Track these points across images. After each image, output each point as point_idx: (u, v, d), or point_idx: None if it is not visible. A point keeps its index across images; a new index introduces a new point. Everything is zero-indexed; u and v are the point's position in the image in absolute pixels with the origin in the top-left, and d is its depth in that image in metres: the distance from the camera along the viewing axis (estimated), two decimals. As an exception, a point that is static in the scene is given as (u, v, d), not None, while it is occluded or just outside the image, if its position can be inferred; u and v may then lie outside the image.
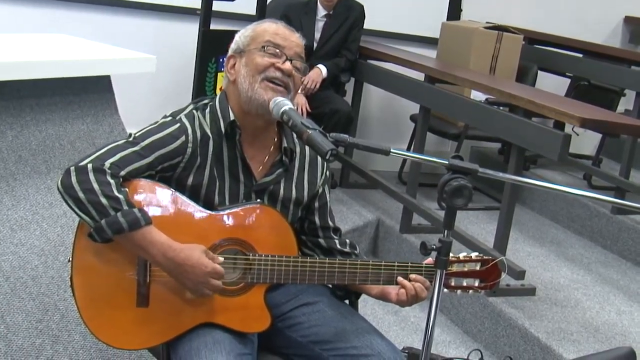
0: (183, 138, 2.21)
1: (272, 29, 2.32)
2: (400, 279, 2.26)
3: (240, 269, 2.19)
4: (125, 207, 2.03)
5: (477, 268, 2.33)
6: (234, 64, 2.33)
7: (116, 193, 2.04)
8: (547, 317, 3.87)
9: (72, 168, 2.06)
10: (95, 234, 2.03)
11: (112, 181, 2.05)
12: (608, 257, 4.93)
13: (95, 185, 2.03)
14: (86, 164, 2.06)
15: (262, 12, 5.14)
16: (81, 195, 2.02)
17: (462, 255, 2.32)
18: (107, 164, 2.07)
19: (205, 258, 2.08)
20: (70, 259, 2.11)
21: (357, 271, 2.26)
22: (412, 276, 2.26)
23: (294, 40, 2.32)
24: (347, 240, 2.50)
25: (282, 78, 2.25)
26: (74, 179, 2.04)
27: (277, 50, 2.27)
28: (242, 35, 2.35)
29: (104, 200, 2.01)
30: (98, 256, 2.09)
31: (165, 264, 2.06)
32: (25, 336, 2.59)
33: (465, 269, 2.32)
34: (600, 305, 4.12)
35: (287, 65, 2.26)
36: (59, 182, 2.06)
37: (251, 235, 2.20)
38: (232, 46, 2.36)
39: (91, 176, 2.04)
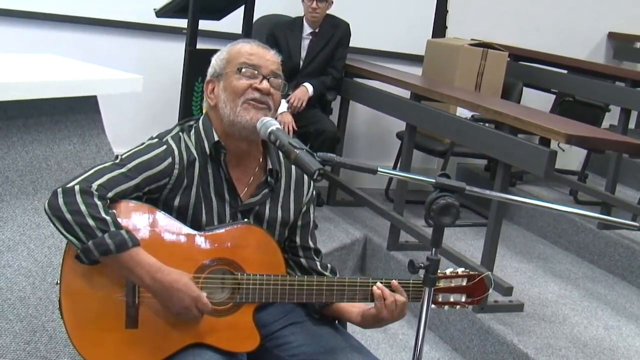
0: (170, 160, 2.22)
1: (246, 49, 2.32)
2: (375, 288, 2.26)
3: (228, 289, 2.19)
4: (113, 229, 2.03)
5: (464, 283, 2.34)
6: (213, 89, 2.34)
7: (103, 214, 2.03)
8: (536, 332, 3.88)
9: (59, 190, 2.06)
10: (82, 256, 2.03)
11: (99, 203, 2.05)
12: (595, 272, 4.95)
13: (82, 207, 2.03)
14: (73, 186, 2.06)
15: (248, 31, 5.15)
16: (68, 216, 2.02)
17: (448, 271, 2.34)
18: (95, 185, 2.07)
19: (192, 284, 2.09)
20: (59, 281, 2.10)
21: (344, 288, 2.26)
22: (392, 283, 2.28)
23: (269, 58, 2.32)
24: (329, 265, 2.50)
25: (260, 98, 2.26)
26: (60, 200, 2.04)
27: (254, 71, 2.28)
28: (218, 58, 2.36)
29: (91, 222, 2.01)
30: (86, 278, 2.09)
31: (153, 286, 2.06)
32: (13, 358, 2.57)
33: (452, 285, 2.34)
34: (588, 321, 4.14)
35: (265, 85, 2.27)
36: (46, 203, 2.06)
37: (239, 255, 2.20)
38: (210, 70, 2.37)
39: (78, 198, 2.04)
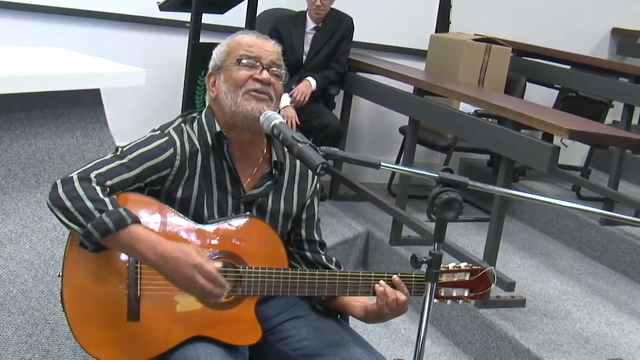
0: (171, 150, 2.22)
1: (245, 40, 2.32)
2: (377, 286, 2.26)
3: (231, 282, 2.18)
4: (111, 208, 2.02)
5: (467, 278, 2.34)
6: (214, 82, 2.34)
7: (101, 196, 2.03)
8: (538, 328, 3.87)
9: (59, 181, 2.07)
10: (85, 241, 2.02)
11: (97, 187, 2.05)
12: (597, 268, 4.95)
13: (81, 192, 2.03)
14: (72, 176, 2.07)
15: (251, 25, 5.15)
16: (68, 203, 2.02)
17: (451, 266, 2.33)
18: (94, 174, 2.08)
19: (194, 252, 2.01)
20: (60, 274, 2.10)
21: (347, 282, 2.26)
22: (394, 278, 2.27)
23: (268, 48, 2.32)
24: (334, 258, 2.50)
25: (262, 89, 2.26)
26: (60, 190, 2.04)
27: (254, 62, 2.28)
28: (218, 51, 2.36)
29: (89, 204, 2.01)
30: (88, 270, 2.09)
31: (155, 260, 2.02)
32: (15, 351, 2.57)
33: (455, 279, 2.33)
34: (590, 316, 4.13)
35: (265, 75, 2.27)
36: (48, 196, 2.06)
37: (241, 248, 2.20)
38: (210, 63, 2.37)
39: (77, 185, 2.04)
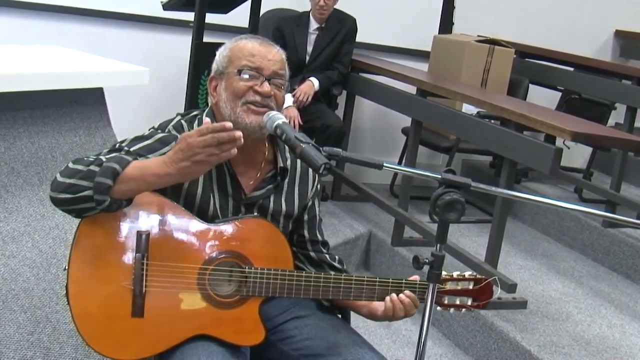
0: (173, 144, 2.21)
1: (248, 48, 2.28)
2: (388, 298, 2.27)
3: (235, 282, 2.19)
4: (106, 159, 2.03)
5: (470, 287, 2.34)
6: (216, 86, 2.32)
7: (93, 158, 2.05)
8: (539, 330, 3.87)
9: (57, 173, 2.07)
10: (98, 196, 1.99)
11: (90, 157, 2.07)
12: (599, 270, 4.94)
13: (77, 166, 2.04)
14: (67, 163, 2.08)
15: (255, 25, 5.15)
16: (69, 180, 2.02)
17: (455, 274, 2.34)
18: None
19: (184, 134, 1.98)
20: (66, 267, 2.10)
21: (351, 287, 2.26)
22: (406, 293, 2.27)
23: (271, 58, 2.28)
24: (337, 257, 2.51)
25: (261, 101, 2.23)
26: (58, 177, 2.05)
27: (255, 73, 2.25)
28: (221, 55, 2.33)
29: (88, 167, 2.02)
30: (94, 265, 2.08)
31: (168, 170, 1.98)
32: (17, 349, 2.57)
33: (459, 288, 2.34)
34: (591, 319, 4.13)
35: (266, 88, 2.24)
36: (50, 190, 2.06)
37: (247, 248, 2.19)
38: (213, 66, 2.34)
39: (71, 165, 2.06)
